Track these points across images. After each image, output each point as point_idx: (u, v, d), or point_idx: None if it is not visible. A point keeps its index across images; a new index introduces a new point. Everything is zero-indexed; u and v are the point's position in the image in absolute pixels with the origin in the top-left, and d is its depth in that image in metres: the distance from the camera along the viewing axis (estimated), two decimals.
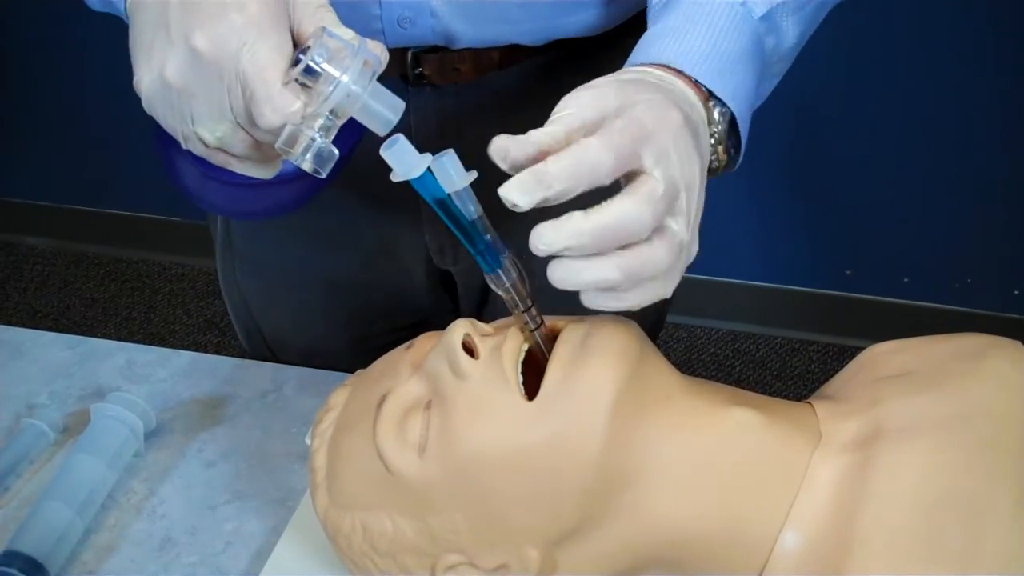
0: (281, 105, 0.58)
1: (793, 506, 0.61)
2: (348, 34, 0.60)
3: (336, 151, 0.59)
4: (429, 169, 0.57)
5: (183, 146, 0.64)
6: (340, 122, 0.58)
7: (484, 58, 0.84)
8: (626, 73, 0.63)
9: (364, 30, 0.62)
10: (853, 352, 0.71)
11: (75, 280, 2.56)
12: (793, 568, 0.61)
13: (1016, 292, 2.16)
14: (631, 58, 0.66)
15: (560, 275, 0.55)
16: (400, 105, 0.60)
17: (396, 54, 0.82)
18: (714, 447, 0.62)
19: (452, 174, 0.57)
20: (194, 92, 0.59)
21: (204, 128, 0.61)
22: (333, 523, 0.68)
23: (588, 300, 0.56)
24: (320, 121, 0.58)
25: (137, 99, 0.63)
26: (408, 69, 0.84)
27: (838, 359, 2.23)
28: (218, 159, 0.64)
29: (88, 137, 2.45)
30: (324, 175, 0.59)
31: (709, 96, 0.64)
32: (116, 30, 0.68)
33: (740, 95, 0.65)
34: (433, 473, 0.62)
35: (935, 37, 1.92)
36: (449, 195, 0.57)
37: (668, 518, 0.62)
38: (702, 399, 0.63)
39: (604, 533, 0.62)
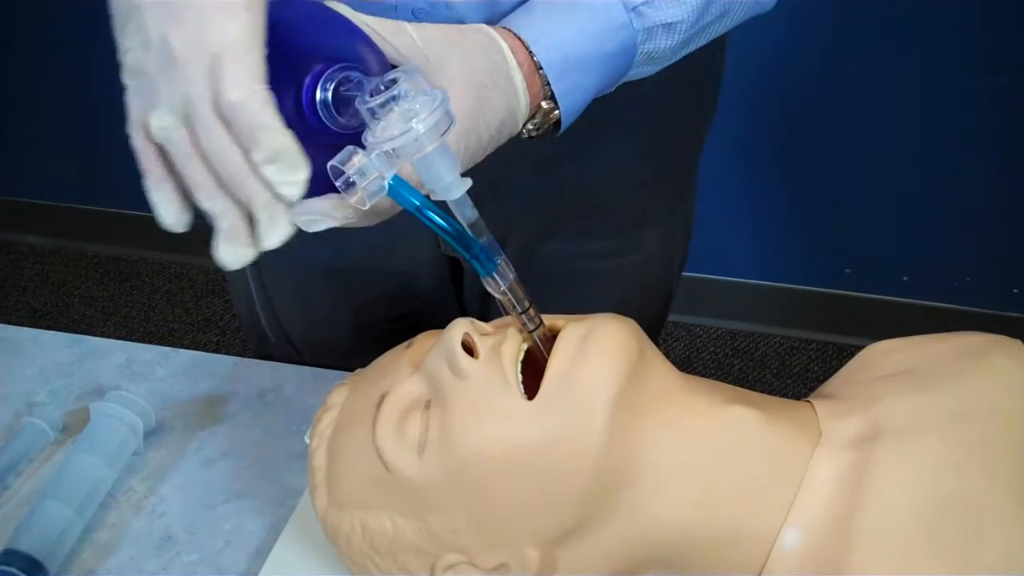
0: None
1: (793, 505, 0.61)
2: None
3: (385, 187, 0.57)
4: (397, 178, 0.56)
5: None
6: (399, 163, 0.56)
7: None
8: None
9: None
10: (853, 351, 0.71)
11: (74, 279, 2.56)
12: (793, 567, 0.61)
13: (1015, 291, 2.16)
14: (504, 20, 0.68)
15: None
16: (456, 167, 0.57)
17: None
18: (714, 446, 0.62)
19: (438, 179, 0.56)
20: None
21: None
22: (333, 523, 0.68)
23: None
24: (377, 155, 0.56)
25: None
26: None
27: (837, 358, 2.23)
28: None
29: (88, 136, 2.45)
30: (367, 207, 0.57)
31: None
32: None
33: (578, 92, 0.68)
34: (432, 473, 0.62)
35: (933, 36, 1.92)
36: (428, 202, 0.57)
37: (668, 517, 0.62)
38: (701, 398, 0.63)
39: (604, 532, 0.62)
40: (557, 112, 0.68)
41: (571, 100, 0.68)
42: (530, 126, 0.69)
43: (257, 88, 0.54)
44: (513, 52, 0.65)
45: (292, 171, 0.55)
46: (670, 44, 0.71)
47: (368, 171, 0.55)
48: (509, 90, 0.65)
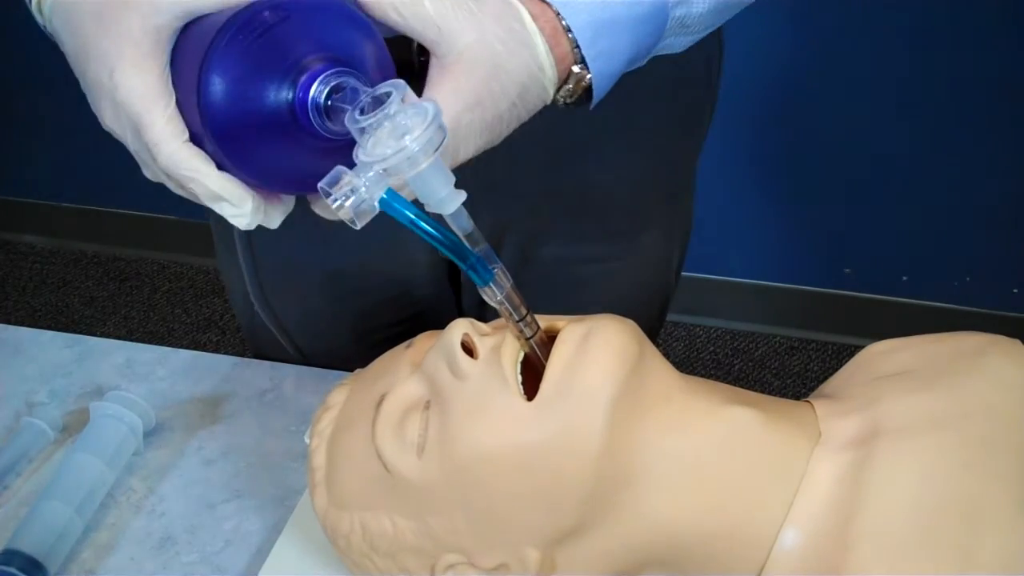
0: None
1: (792, 505, 0.61)
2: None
3: (376, 207, 0.55)
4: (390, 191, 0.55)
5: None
6: (391, 180, 0.55)
7: None
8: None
9: None
10: (852, 351, 0.71)
11: (74, 279, 2.56)
12: (793, 567, 0.61)
13: (1015, 291, 2.16)
14: None
15: None
16: (450, 180, 0.56)
17: (399, 42, 0.82)
18: (713, 446, 0.62)
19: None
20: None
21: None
22: (332, 523, 0.68)
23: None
24: (369, 174, 0.54)
25: None
26: (414, 56, 0.83)
27: (837, 358, 2.23)
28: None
29: (88, 136, 2.44)
30: (359, 227, 0.56)
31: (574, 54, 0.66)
32: None
33: (611, 57, 0.67)
34: (432, 473, 0.62)
35: (934, 35, 1.92)
36: (422, 214, 0.56)
37: (667, 517, 0.62)
38: (701, 398, 0.63)
39: (603, 533, 0.62)
40: (589, 76, 0.67)
41: (602, 64, 0.67)
42: (564, 92, 0.68)
43: (176, 146, 0.58)
44: (535, 17, 0.64)
45: (235, 208, 0.60)
46: (702, 10, 0.70)
47: (359, 191, 0.54)
48: (528, 55, 0.64)
